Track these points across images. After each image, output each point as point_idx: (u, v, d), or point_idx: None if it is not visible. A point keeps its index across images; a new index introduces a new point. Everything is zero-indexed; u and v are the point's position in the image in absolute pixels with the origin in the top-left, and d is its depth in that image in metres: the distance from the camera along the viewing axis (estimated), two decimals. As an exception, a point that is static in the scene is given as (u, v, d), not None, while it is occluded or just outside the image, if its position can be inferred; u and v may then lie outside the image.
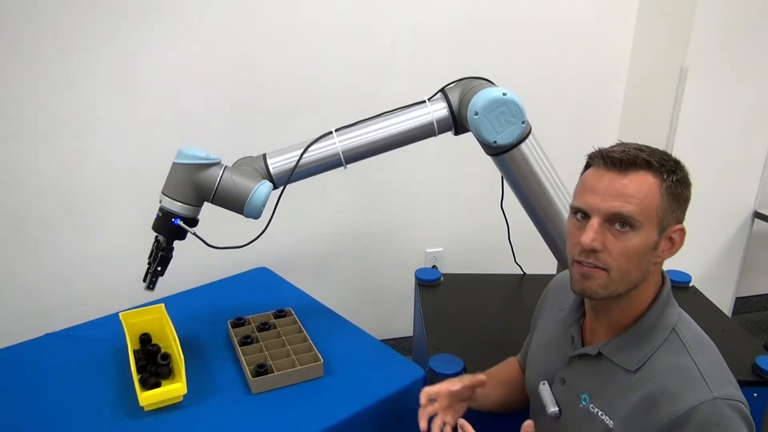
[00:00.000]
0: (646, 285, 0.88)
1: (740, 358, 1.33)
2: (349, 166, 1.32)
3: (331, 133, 1.31)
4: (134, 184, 1.90)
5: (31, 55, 1.70)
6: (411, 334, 2.10)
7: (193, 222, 1.26)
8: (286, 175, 1.30)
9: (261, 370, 1.24)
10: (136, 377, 1.19)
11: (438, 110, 1.30)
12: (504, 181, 1.47)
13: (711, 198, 2.31)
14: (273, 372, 1.25)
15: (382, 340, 1.45)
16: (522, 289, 1.79)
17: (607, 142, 0.92)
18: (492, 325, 1.55)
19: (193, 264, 1.93)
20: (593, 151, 0.89)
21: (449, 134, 1.37)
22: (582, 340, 0.97)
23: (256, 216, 1.25)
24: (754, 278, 2.77)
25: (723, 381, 0.82)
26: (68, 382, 1.26)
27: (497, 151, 1.30)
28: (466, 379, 1.05)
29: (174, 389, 1.16)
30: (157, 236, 1.27)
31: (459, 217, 2.33)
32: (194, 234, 1.25)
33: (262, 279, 1.77)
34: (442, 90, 1.33)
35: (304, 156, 1.29)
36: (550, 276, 1.21)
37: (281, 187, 1.32)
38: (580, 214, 0.87)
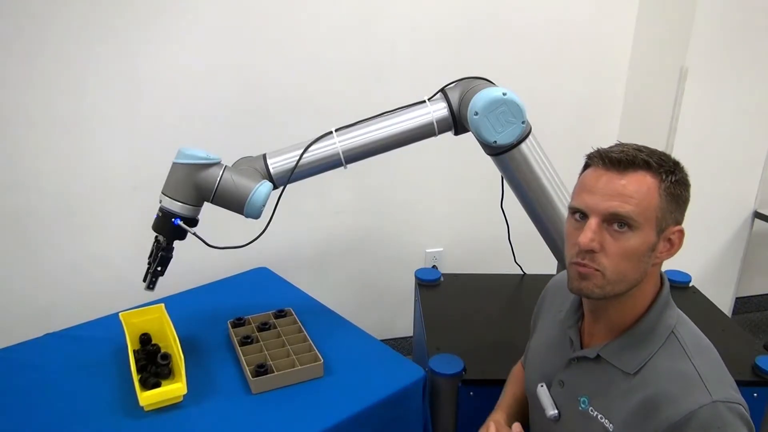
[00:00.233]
0: (644, 286, 0.87)
1: (740, 358, 1.33)
2: (349, 166, 1.32)
3: (331, 133, 1.31)
4: (134, 184, 1.90)
5: (31, 55, 1.70)
6: (411, 334, 2.11)
7: (193, 222, 1.26)
8: (286, 175, 1.29)
9: (261, 370, 1.24)
10: (136, 377, 1.19)
11: (438, 110, 1.30)
12: (504, 181, 1.47)
13: (711, 198, 2.31)
14: (273, 372, 1.25)
15: (382, 340, 1.45)
16: (522, 289, 1.79)
17: (607, 142, 0.92)
18: (492, 325, 1.55)
19: (193, 264, 1.93)
20: (592, 151, 0.89)
21: (449, 134, 1.37)
22: (581, 343, 0.97)
23: (256, 216, 1.25)
24: (754, 278, 2.77)
25: (722, 384, 0.82)
26: (68, 382, 1.26)
27: (497, 151, 1.30)
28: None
29: (174, 389, 1.16)
30: (157, 236, 1.27)
31: (459, 217, 2.33)
32: (194, 234, 1.25)
33: (262, 279, 1.77)
34: (442, 90, 1.33)
35: (304, 156, 1.29)
36: (550, 276, 1.21)
37: (281, 187, 1.31)
38: (579, 214, 0.87)
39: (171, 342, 1.31)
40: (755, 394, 1.26)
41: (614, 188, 0.83)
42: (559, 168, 1.36)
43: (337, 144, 1.29)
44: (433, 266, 2.34)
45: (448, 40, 2.06)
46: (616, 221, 0.82)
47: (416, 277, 1.76)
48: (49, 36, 1.70)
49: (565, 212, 1.35)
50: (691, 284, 1.73)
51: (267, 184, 1.24)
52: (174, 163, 1.23)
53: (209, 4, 1.81)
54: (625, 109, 2.36)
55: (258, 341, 1.36)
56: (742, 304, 2.79)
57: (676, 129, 2.14)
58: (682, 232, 0.86)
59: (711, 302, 1.64)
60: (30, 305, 1.92)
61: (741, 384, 0.86)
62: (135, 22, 1.76)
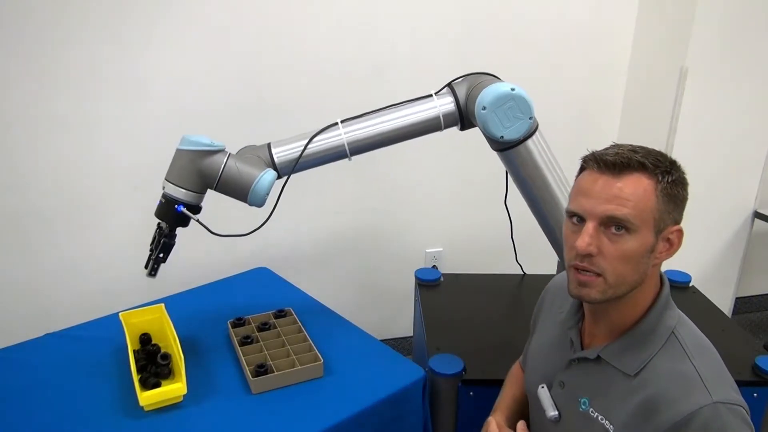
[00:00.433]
0: (644, 288, 0.87)
1: (740, 358, 1.33)
2: (353, 158, 1.30)
3: (336, 124, 1.29)
4: (135, 184, 1.90)
5: (31, 54, 1.70)
6: (411, 334, 2.11)
7: (196, 209, 1.25)
8: (290, 165, 1.28)
9: (261, 370, 1.24)
10: (136, 377, 1.19)
11: (445, 104, 1.29)
12: (508, 177, 1.46)
13: (711, 198, 2.31)
14: (273, 372, 1.25)
15: (382, 340, 1.45)
16: (522, 289, 1.79)
17: (607, 142, 0.92)
18: (492, 325, 1.55)
19: (193, 264, 1.93)
20: (587, 153, 0.88)
21: (450, 134, 1.36)
22: (581, 343, 0.97)
23: (260, 204, 1.23)
24: (754, 278, 2.77)
25: (723, 385, 0.81)
26: (68, 382, 1.26)
27: (504, 147, 1.29)
28: None
29: (174, 389, 1.16)
30: (159, 223, 1.25)
31: (459, 217, 2.33)
32: (197, 221, 1.23)
33: (262, 279, 1.77)
34: (449, 85, 1.32)
35: (309, 146, 1.27)
36: (550, 276, 1.20)
37: (285, 178, 1.30)
38: (576, 217, 0.86)
39: (171, 342, 1.31)
40: (755, 394, 1.26)
41: (610, 191, 0.82)
42: (558, 168, 1.36)
43: (343, 135, 1.28)
44: (433, 266, 2.34)
45: (448, 41, 2.06)
46: (613, 224, 0.82)
47: (416, 277, 1.76)
48: (50, 35, 1.70)
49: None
50: (691, 284, 1.73)
51: (271, 172, 1.23)
52: (178, 150, 1.21)
53: (211, 4, 1.81)
54: (625, 109, 2.36)
55: (258, 341, 1.36)
56: (742, 304, 2.79)
57: (676, 129, 2.14)
58: (681, 232, 0.86)
59: (711, 302, 1.64)
60: (30, 305, 1.92)
61: (741, 384, 0.86)
62: (135, 21, 1.76)
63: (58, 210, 1.86)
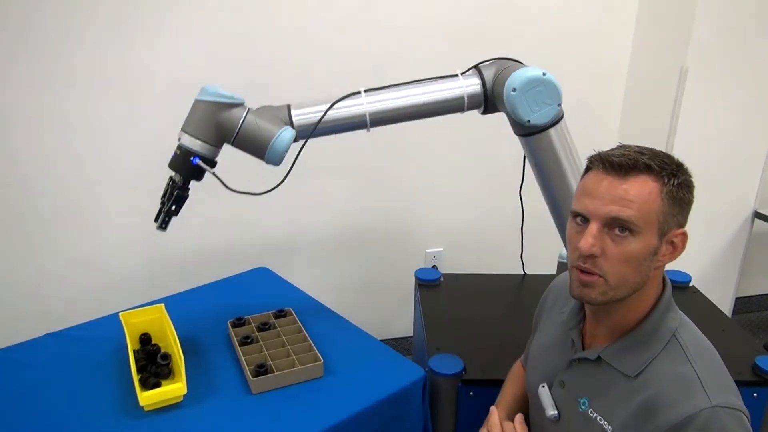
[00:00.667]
0: (646, 290, 0.87)
1: (740, 358, 1.33)
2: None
3: (359, 92, 1.27)
4: (135, 184, 1.90)
5: (32, 54, 1.70)
6: (411, 334, 2.11)
7: (211, 163, 1.22)
8: (309, 129, 1.25)
9: (261, 370, 1.24)
10: (136, 377, 1.19)
11: (471, 85, 1.28)
12: (525, 165, 1.44)
13: (711, 198, 2.31)
14: (273, 372, 1.25)
15: (382, 340, 1.45)
16: (522, 289, 1.78)
17: (607, 142, 0.92)
18: (492, 325, 1.55)
19: (193, 264, 1.93)
20: (593, 154, 0.88)
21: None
22: (582, 344, 0.97)
23: (277, 162, 1.21)
24: (754, 278, 2.77)
25: (723, 389, 0.81)
26: (68, 382, 1.26)
27: (528, 132, 1.27)
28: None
29: (174, 389, 1.16)
30: (171, 176, 1.23)
31: (459, 217, 2.33)
32: (213, 174, 1.20)
33: (262, 279, 1.77)
34: (476, 66, 1.31)
35: (329, 113, 1.25)
36: (551, 276, 1.21)
37: (302, 142, 1.26)
38: (580, 218, 0.86)
39: (171, 342, 1.31)
40: (755, 394, 1.26)
41: (615, 193, 0.82)
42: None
43: (365, 104, 1.26)
44: (433, 266, 2.34)
45: (448, 41, 2.06)
46: (617, 226, 0.82)
47: (416, 277, 1.76)
48: (51, 34, 1.70)
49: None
50: (691, 284, 1.73)
51: (290, 130, 1.20)
52: (197, 101, 1.18)
53: (212, 3, 1.81)
54: (625, 109, 2.37)
55: (258, 341, 1.36)
56: (742, 304, 2.79)
57: (676, 129, 2.14)
58: (685, 235, 0.86)
59: (711, 302, 1.64)
60: (30, 305, 1.92)
61: (741, 384, 0.86)
62: (138, 20, 1.76)
63: (58, 209, 1.86)
